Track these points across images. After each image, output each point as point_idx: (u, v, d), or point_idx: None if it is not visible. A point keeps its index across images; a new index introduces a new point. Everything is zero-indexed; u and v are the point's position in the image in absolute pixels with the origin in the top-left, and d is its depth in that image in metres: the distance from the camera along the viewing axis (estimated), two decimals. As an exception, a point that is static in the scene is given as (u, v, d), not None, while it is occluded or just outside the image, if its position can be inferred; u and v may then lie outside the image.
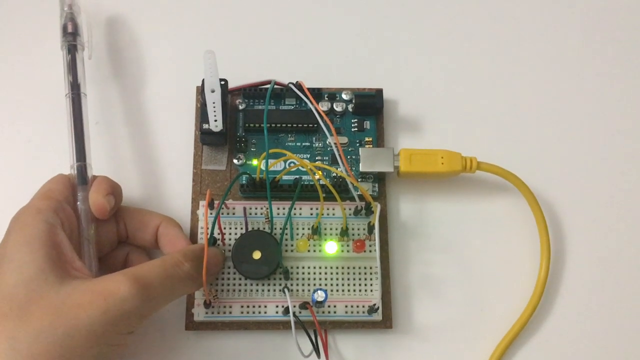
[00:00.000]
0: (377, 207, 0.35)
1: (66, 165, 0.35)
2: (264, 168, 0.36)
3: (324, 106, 0.39)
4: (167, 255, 0.32)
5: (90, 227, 0.33)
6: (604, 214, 0.40)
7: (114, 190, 0.34)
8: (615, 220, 0.40)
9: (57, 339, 0.27)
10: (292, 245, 0.36)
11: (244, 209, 0.36)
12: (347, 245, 0.36)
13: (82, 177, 0.34)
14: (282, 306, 0.35)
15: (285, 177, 0.37)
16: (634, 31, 0.45)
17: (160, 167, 0.39)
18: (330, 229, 0.36)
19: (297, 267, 0.36)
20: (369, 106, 0.39)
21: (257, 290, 0.35)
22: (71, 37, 0.37)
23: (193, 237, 0.37)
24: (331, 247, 0.36)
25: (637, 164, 0.41)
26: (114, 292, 0.29)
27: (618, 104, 0.43)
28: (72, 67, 0.36)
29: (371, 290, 0.36)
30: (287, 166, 0.38)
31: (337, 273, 0.36)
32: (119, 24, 0.42)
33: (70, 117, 0.35)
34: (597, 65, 0.44)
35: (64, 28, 0.37)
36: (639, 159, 0.41)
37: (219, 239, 0.35)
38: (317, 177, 0.35)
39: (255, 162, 0.38)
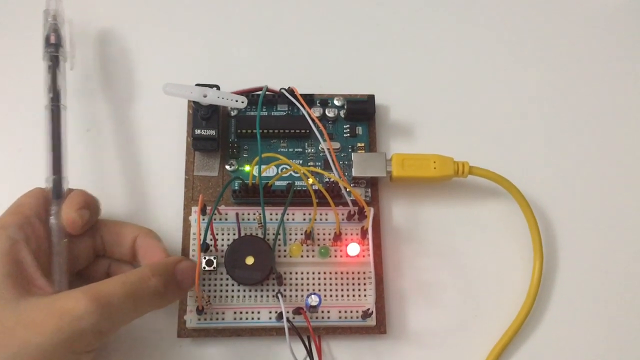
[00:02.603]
0: (370, 212, 0.35)
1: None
2: (256, 173, 0.36)
3: (316, 112, 0.39)
4: (134, 269, 0.31)
5: (62, 242, 0.32)
6: (596, 219, 0.40)
7: (89, 204, 0.33)
8: (608, 224, 0.40)
9: (7, 359, 0.26)
10: (285, 251, 0.36)
11: (237, 214, 0.36)
12: (341, 250, 0.36)
13: (57, 191, 0.33)
14: (276, 312, 0.35)
15: (277, 183, 0.37)
16: (626, 38, 0.45)
17: (152, 174, 0.39)
18: (324, 233, 0.36)
19: (291, 273, 0.36)
20: (361, 112, 0.40)
21: (250, 296, 0.35)
22: (53, 48, 0.36)
23: (185, 244, 0.36)
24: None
25: (630, 168, 0.41)
26: (70, 310, 0.28)
27: (611, 109, 0.43)
28: (53, 79, 0.35)
29: (365, 296, 0.36)
30: (279, 171, 0.38)
31: (330, 278, 0.36)
32: (112, 31, 0.42)
33: (48, 128, 0.34)
34: (589, 69, 0.44)
35: (47, 39, 0.37)
36: (632, 163, 0.41)
37: (211, 245, 0.35)
38: (310, 181, 0.35)
39: (247, 168, 0.38)
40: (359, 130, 0.40)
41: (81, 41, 0.42)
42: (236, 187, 0.37)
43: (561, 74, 0.44)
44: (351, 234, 0.36)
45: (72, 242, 0.33)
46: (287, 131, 0.39)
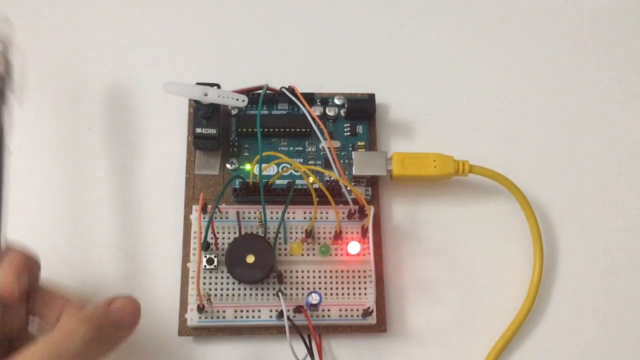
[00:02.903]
0: (370, 210, 0.35)
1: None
2: (257, 172, 0.36)
3: (316, 111, 0.39)
4: (56, 328, 0.28)
5: None
6: (597, 218, 0.40)
7: (29, 267, 0.29)
8: (608, 223, 0.40)
9: None
10: (285, 249, 0.36)
11: (237, 213, 0.36)
12: (341, 249, 0.36)
13: None
14: (276, 310, 0.35)
15: (278, 182, 0.37)
16: (628, 36, 0.45)
17: (152, 172, 0.39)
18: (324, 232, 0.36)
19: (291, 271, 0.36)
20: (362, 111, 0.40)
21: (251, 295, 0.35)
22: (0, 81, 0.31)
23: (186, 242, 0.36)
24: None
25: (631, 167, 0.41)
26: None
27: (612, 107, 0.43)
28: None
29: (365, 294, 0.36)
30: (280, 170, 0.38)
31: (331, 277, 0.36)
32: (112, 30, 0.42)
33: None
34: (590, 67, 0.44)
35: None
36: (633, 162, 0.41)
37: (212, 243, 0.35)
38: (310, 180, 0.35)
39: (248, 166, 0.38)
40: (360, 129, 0.40)
41: (81, 40, 0.42)
42: (237, 186, 0.37)
43: (562, 72, 0.44)
44: (351, 233, 0.36)
45: (6, 310, 0.29)
46: (287, 130, 0.39)
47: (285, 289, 0.35)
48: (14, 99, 0.31)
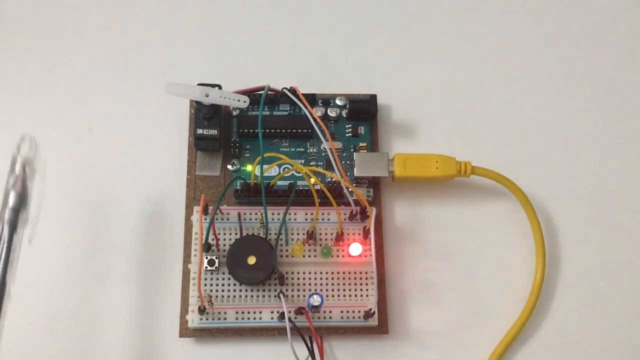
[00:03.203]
0: (372, 212, 0.35)
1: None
2: (258, 173, 0.36)
3: (318, 112, 0.39)
4: None
5: None
6: (600, 220, 0.40)
7: None
8: (611, 226, 0.40)
9: None
10: (287, 250, 0.36)
11: (239, 214, 0.36)
12: (343, 250, 0.36)
13: None
14: (277, 312, 0.35)
15: (279, 183, 0.37)
16: (632, 36, 0.45)
17: (153, 173, 0.39)
18: (326, 233, 0.36)
19: (292, 273, 0.36)
20: (363, 111, 0.39)
21: (252, 296, 0.35)
22: (13, 213, 0.27)
23: (187, 244, 0.36)
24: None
25: (633, 168, 0.41)
26: None
27: (616, 110, 0.43)
28: (5, 260, 0.27)
29: (367, 296, 0.36)
30: (281, 171, 0.38)
31: (332, 278, 0.36)
32: (113, 29, 0.42)
33: None
34: (593, 68, 0.44)
35: (7, 195, 0.27)
36: (635, 163, 0.41)
37: (213, 245, 0.35)
38: (312, 181, 0.35)
39: (249, 167, 0.38)
40: (361, 130, 0.40)
41: (84, 39, 0.42)
42: (238, 187, 0.37)
43: (564, 73, 0.44)
44: (353, 234, 0.36)
45: None
46: (289, 131, 0.39)
47: (287, 290, 0.35)
48: (25, 233, 0.28)
